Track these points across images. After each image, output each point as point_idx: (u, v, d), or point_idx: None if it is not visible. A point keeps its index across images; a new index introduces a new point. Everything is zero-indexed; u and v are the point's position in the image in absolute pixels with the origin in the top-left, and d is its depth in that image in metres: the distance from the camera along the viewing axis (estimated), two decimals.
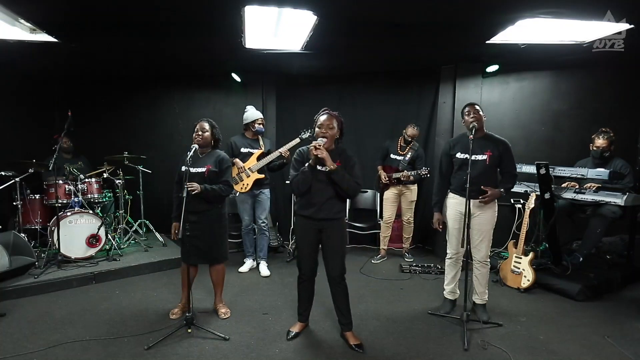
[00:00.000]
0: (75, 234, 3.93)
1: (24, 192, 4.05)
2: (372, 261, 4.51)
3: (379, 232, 4.70)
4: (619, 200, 3.33)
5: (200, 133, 2.89)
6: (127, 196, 4.65)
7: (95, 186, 4.34)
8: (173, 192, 2.96)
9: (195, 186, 2.70)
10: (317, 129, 2.51)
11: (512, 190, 3.86)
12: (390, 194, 4.48)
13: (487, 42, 3.42)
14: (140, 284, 3.73)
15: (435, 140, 4.80)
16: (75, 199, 4.10)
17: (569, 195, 3.61)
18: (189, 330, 2.70)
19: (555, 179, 3.64)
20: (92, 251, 4.02)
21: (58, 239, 3.74)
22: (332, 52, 3.95)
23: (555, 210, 3.64)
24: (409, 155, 4.39)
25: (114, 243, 4.19)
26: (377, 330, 2.86)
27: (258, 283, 3.83)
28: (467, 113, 2.86)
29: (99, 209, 4.42)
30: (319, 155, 2.37)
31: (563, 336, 2.77)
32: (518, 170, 3.02)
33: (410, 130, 4.37)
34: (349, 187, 2.46)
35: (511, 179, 2.89)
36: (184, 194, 2.65)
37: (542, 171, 3.48)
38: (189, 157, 2.75)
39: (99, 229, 4.02)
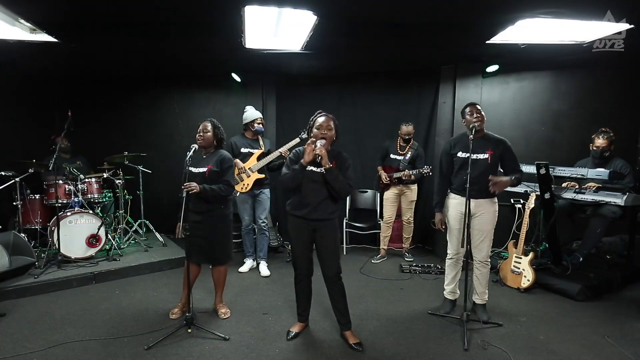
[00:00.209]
0: (75, 234, 3.93)
1: (24, 192, 4.05)
2: (372, 261, 4.51)
3: (379, 232, 4.70)
4: (619, 200, 3.33)
5: (202, 134, 2.89)
6: (127, 196, 4.65)
7: (95, 186, 4.34)
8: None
9: (194, 186, 2.70)
10: (315, 130, 2.52)
11: (512, 190, 3.90)
12: (390, 194, 4.48)
13: (487, 42, 3.42)
14: (140, 284, 3.73)
15: (435, 140, 4.80)
16: (75, 199, 4.10)
17: (569, 195, 3.61)
18: (189, 330, 2.70)
19: (555, 179, 3.64)
20: (92, 251, 4.02)
21: (58, 239, 3.74)
22: (332, 52, 3.95)
23: (555, 210, 3.63)
24: (409, 155, 4.39)
25: (114, 243, 4.19)
26: (377, 330, 2.86)
27: (258, 283, 3.83)
28: (469, 113, 2.85)
29: (99, 209, 4.42)
30: (318, 153, 2.40)
31: (563, 336, 2.77)
32: None
33: (404, 129, 4.37)
34: (341, 187, 2.49)
35: (518, 174, 2.86)
36: (183, 194, 2.65)
37: (542, 171, 3.48)
38: (188, 157, 2.76)
39: (99, 229, 4.02)
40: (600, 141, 3.68)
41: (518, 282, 3.59)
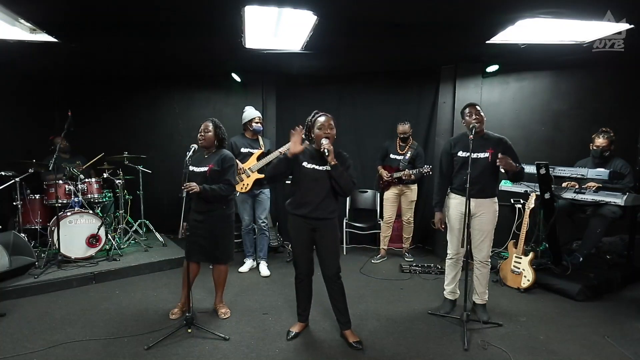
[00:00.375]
0: (75, 234, 3.93)
1: (24, 192, 4.05)
2: (372, 261, 4.51)
3: (379, 232, 4.70)
4: (619, 200, 3.33)
5: (203, 133, 2.89)
6: (127, 196, 4.66)
7: (95, 186, 4.34)
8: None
9: (193, 185, 2.70)
10: (317, 130, 2.51)
11: (512, 190, 3.90)
12: (390, 193, 4.48)
13: (487, 42, 3.42)
14: (140, 284, 3.73)
15: (435, 140, 4.80)
16: (75, 199, 4.10)
17: (569, 195, 3.61)
18: (189, 330, 2.70)
19: (555, 179, 3.64)
20: (92, 251, 4.02)
21: (58, 239, 3.74)
22: (332, 52, 3.95)
23: (555, 210, 3.63)
24: (408, 155, 4.39)
25: (114, 243, 4.19)
26: (377, 330, 2.86)
27: (258, 283, 3.83)
28: (468, 114, 2.85)
29: (99, 209, 4.43)
30: (326, 148, 2.41)
31: (563, 336, 2.77)
32: None
33: (401, 127, 4.38)
34: (346, 184, 2.50)
35: (522, 167, 2.86)
36: (183, 194, 2.65)
37: (542, 171, 3.48)
38: (188, 157, 2.76)
39: (99, 229, 4.02)
40: (600, 141, 3.68)
41: (518, 282, 3.59)
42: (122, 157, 4.50)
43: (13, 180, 3.86)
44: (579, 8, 2.67)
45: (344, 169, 2.52)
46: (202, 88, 5.38)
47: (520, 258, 3.62)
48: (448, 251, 3.07)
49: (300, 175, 2.57)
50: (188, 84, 5.36)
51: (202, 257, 2.92)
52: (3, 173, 3.89)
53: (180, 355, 2.48)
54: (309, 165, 2.54)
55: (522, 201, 4.21)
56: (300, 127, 2.55)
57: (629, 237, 4.01)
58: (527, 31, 3.11)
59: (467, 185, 2.66)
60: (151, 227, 4.85)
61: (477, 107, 2.86)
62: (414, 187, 4.49)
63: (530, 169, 3.67)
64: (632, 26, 2.89)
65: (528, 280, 3.53)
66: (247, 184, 3.92)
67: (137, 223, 4.75)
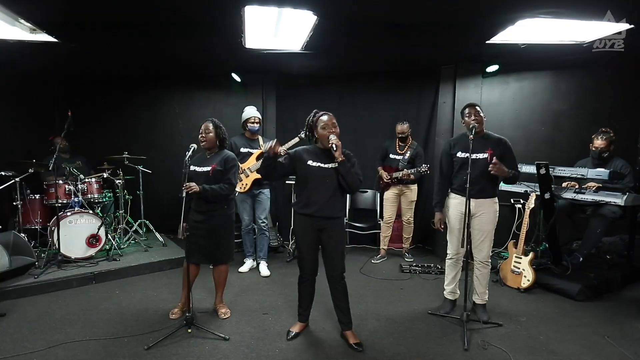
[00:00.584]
0: (75, 234, 3.93)
1: (24, 192, 4.05)
2: (372, 261, 4.51)
3: (379, 232, 4.70)
4: (619, 200, 3.33)
5: (204, 134, 2.89)
6: (127, 196, 4.66)
7: (95, 186, 4.34)
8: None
9: (193, 186, 2.70)
10: (321, 130, 2.50)
11: (512, 190, 3.90)
12: (390, 194, 4.49)
13: (487, 42, 3.42)
14: (140, 284, 3.73)
15: (435, 140, 4.80)
16: (75, 199, 4.10)
17: (569, 195, 3.61)
18: (189, 330, 2.70)
19: (555, 179, 3.64)
20: (92, 251, 4.02)
21: (58, 239, 3.74)
22: (332, 52, 3.95)
23: (555, 210, 3.63)
24: (407, 154, 4.39)
25: (114, 243, 4.19)
26: (377, 330, 2.86)
27: (258, 283, 3.83)
28: (467, 114, 2.85)
29: (99, 209, 4.43)
30: (334, 144, 2.40)
31: (563, 336, 2.77)
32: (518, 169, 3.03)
33: (400, 127, 4.39)
34: (353, 181, 2.49)
35: (516, 172, 2.86)
36: (183, 195, 2.65)
37: (542, 171, 3.48)
38: (187, 157, 2.76)
39: (99, 229, 4.02)
40: (599, 142, 3.68)
41: (518, 282, 3.59)
42: (122, 157, 4.51)
43: (13, 180, 3.86)
44: (579, 8, 2.67)
45: (350, 165, 2.51)
46: (202, 88, 5.38)
47: (520, 258, 3.62)
48: (448, 251, 3.07)
49: (306, 174, 2.54)
50: (188, 84, 5.36)
51: (203, 257, 2.92)
52: (3, 173, 3.89)
53: (180, 355, 2.48)
54: (315, 164, 2.52)
55: (522, 201, 4.21)
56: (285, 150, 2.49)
57: (629, 237, 4.00)
58: (527, 31, 3.11)
59: (467, 186, 2.66)
60: (151, 227, 4.85)
61: (477, 107, 2.86)
62: (414, 187, 4.48)
63: (530, 169, 3.68)
64: (632, 26, 2.89)
65: (528, 280, 3.53)
66: (246, 184, 3.93)
67: (137, 223, 4.75)
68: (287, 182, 5.01)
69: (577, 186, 3.67)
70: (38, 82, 5.17)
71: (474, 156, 2.76)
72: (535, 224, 3.83)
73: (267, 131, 5.00)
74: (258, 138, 4.07)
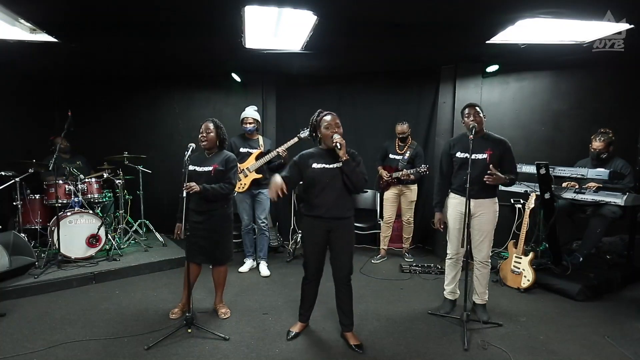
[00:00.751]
0: (75, 234, 3.92)
1: (24, 192, 4.05)
2: (372, 261, 4.51)
3: (379, 232, 4.70)
4: (619, 200, 3.33)
5: (205, 134, 2.89)
6: (127, 196, 4.65)
7: (95, 186, 4.34)
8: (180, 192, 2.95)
9: (193, 185, 2.70)
10: (324, 130, 2.49)
11: (512, 190, 3.89)
12: (390, 194, 4.49)
13: (487, 42, 3.42)
14: (140, 284, 3.73)
15: (435, 140, 4.80)
16: (75, 199, 4.10)
17: (569, 195, 3.61)
18: (189, 330, 2.70)
19: (555, 179, 3.64)
20: (92, 251, 4.01)
21: (58, 239, 3.74)
22: (332, 52, 3.95)
23: (555, 210, 3.63)
24: (407, 154, 4.39)
25: (114, 243, 4.19)
26: (377, 330, 2.86)
27: (258, 283, 3.83)
28: (467, 115, 2.85)
29: (99, 209, 4.42)
30: (338, 142, 2.39)
31: (563, 336, 2.77)
32: (518, 170, 3.03)
33: (399, 128, 4.39)
34: (358, 180, 2.47)
35: (513, 176, 2.86)
36: (184, 195, 2.65)
37: (542, 171, 3.48)
38: (187, 156, 2.75)
39: (99, 229, 4.02)
40: (597, 144, 3.68)
41: (518, 282, 3.59)
42: (122, 157, 4.51)
43: (13, 180, 3.86)
44: (579, 8, 2.67)
45: (355, 164, 2.49)
46: (202, 88, 5.38)
47: (520, 258, 3.62)
48: (448, 251, 3.07)
49: (312, 177, 2.52)
50: (188, 84, 5.36)
51: (203, 257, 2.92)
52: (3, 173, 3.89)
53: (180, 355, 2.48)
54: (319, 166, 2.51)
55: (522, 201, 4.21)
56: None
57: (629, 237, 4.00)
58: (527, 31, 3.11)
59: (467, 186, 2.66)
60: (151, 227, 4.85)
61: (476, 107, 2.86)
62: (414, 187, 4.48)
63: (530, 169, 3.68)
64: (632, 26, 2.89)
65: (528, 280, 3.53)
66: (245, 184, 3.93)
67: (137, 223, 4.75)
68: None
69: (577, 186, 3.67)
70: (38, 82, 5.17)
71: (473, 156, 2.75)
72: (535, 224, 3.83)
73: (267, 131, 5.01)
74: (258, 138, 4.07)
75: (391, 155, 4.47)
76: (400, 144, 4.46)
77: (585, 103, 4.38)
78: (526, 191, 3.84)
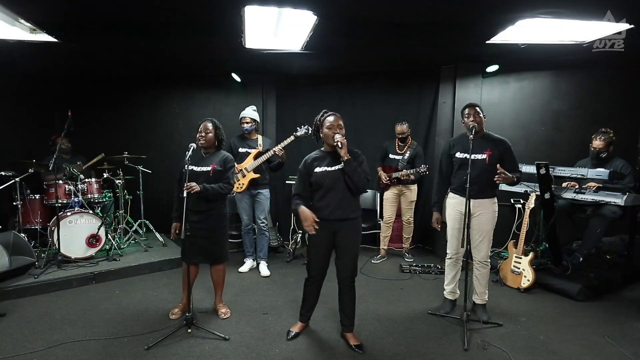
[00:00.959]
0: (75, 234, 3.92)
1: (24, 192, 4.05)
2: (372, 261, 4.51)
3: (379, 232, 4.70)
4: (619, 200, 3.33)
5: (203, 134, 2.89)
6: (127, 196, 4.65)
7: (95, 186, 4.34)
8: (174, 192, 2.95)
9: (194, 185, 2.70)
10: (326, 130, 2.49)
11: (512, 190, 3.90)
12: (390, 194, 4.48)
13: (487, 42, 3.42)
14: (140, 284, 3.73)
15: (435, 140, 4.80)
16: (75, 199, 4.10)
17: (569, 195, 3.61)
18: (189, 330, 2.70)
19: (555, 179, 3.64)
20: (92, 251, 4.01)
21: (58, 239, 3.74)
22: (332, 52, 3.95)
23: (555, 210, 3.63)
24: (407, 154, 4.39)
25: (114, 243, 4.19)
26: (377, 330, 2.86)
27: (258, 283, 3.83)
28: (467, 115, 2.85)
29: (99, 209, 4.42)
30: (339, 141, 2.40)
31: (563, 336, 2.77)
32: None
33: (399, 128, 4.39)
34: (359, 180, 2.45)
35: (518, 174, 2.85)
36: (184, 195, 2.65)
37: (542, 171, 3.48)
38: (187, 156, 2.76)
39: (99, 229, 4.02)
40: (597, 143, 3.68)
41: (518, 282, 3.59)
42: (122, 157, 4.51)
43: (13, 180, 3.86)
44: (579, 8, 2.67)
45: (357, 164, 2.48)
46: (202, 88, 5.38)
47: (520, 258, 3.62)
48: (447, 251, 3.07)
49: (316, 181, 2.51)
50: (188, 84, 5.36)
51: (202, 257, 2.92)
52: (3, 173, 3.89)
53: (180, 355, 2.48)
54: (320, 169, 2.51)
55: (522, 201, 4.21)
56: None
57: (629, 237, 4.00)
58: (527, 31, 3.11)
59: (467, 186, 2.66)
60: (151, 227, 4.85)
61: (476, 107, 2.85)
62: (414, 187, 4.48)
63: (530, 169, 3.68)
64: (632, 26, 2.89)
65: (528, 280, 3.53)
66: (243, 184, 3.93)
67: (137, 223, 4.75)
68: (287, 182, 5.01)
69: (577, 186, 3.67)
70: (38, 82, 5.17)
71: (473, 156, 2.75)
72: (535, 224, 3.83)
73: (267, 131, 5.01)
74: (257, 138, 4.07)
75: (391, 156, 4.47)
76: (400, 144, 4.46)
77: (585, 103, 4.38)
78: (526, 191, 3.84)
